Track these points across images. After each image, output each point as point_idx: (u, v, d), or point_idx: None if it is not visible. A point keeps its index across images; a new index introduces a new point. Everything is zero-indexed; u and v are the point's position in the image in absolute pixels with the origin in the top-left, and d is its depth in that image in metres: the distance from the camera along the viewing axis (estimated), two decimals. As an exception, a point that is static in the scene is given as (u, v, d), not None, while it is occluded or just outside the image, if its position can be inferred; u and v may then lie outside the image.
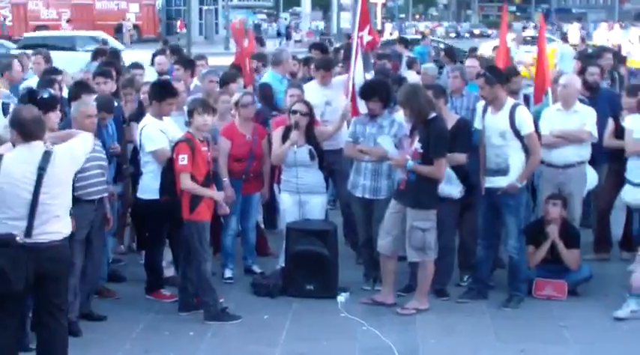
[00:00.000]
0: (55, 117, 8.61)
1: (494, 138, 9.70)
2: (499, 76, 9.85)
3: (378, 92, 10.10)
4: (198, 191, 9.20)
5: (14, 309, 7.33)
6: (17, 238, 7.03)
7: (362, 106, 10.51)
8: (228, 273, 10.65)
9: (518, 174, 9.61)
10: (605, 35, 38.40)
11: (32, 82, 13.11)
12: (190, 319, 9.34)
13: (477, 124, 10.03)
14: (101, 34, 40.04)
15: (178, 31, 63.94)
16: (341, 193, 11.35)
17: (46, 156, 7.15)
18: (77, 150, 7.51)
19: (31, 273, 7.08)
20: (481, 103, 10.03)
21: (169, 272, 10.24)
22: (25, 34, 44.30)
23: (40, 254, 7.09)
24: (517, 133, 9.57)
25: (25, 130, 7.19)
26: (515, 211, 9.72)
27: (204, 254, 9.25)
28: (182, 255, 9.49)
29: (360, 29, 11.23)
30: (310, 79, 13.36)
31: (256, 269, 10.82)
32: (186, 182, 9.14)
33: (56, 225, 7.22)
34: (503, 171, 9.64)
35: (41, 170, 7.09)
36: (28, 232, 7.06)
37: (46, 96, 8.79)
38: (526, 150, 9.62)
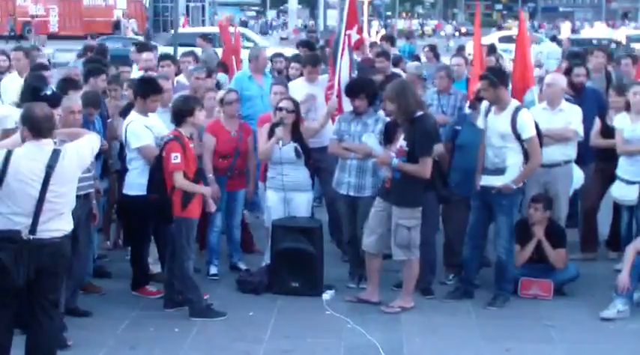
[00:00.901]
0: (56, 114, 8.57)
1: (494, 138, 9.65)
2: (502, 77, 9.81)
3: (365, 90, 10.10)
4: (191, 188, 9.19)
5: (11, 305, 7.31)
6: (22, 234, 7.04)
7: (346, 104, 10.51)
8: (213, 270, 10.64)
9: (514, 176, 9.60)
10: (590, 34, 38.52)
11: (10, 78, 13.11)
12: (176, 315, 9.32)
13: (480, 123, 9.96)
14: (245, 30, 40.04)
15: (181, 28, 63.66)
16: (327, 190, 11.32)
17: (55, 154, 7.15)
18: (85, 150, 7.52)
19: (32, 268, 7.09)
20: (485, 102, 9.93)
21: (156, 268, 10.22)
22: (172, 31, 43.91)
23: (41, 249, 7.09)
24: (518, 136, 9.54)
25: (36, 127, 7.18)
26: (507, 211, 9.68)
27: (188, 251, 9.23)
28: (168, 252, 9.47)
29: (349, 28, 11.24)
30: (288, 77, 13.33)
31: (242, 266, 10.82)
32: (180, 180, 9.11)
33: (59, 222, 7.23)
34: (500, 171, 9.61)
35: (49, 168, 7.09)
36: (33, 229, 7.06)
37: (49, 93, 8.74)
38: (525, 153, 9.60)
